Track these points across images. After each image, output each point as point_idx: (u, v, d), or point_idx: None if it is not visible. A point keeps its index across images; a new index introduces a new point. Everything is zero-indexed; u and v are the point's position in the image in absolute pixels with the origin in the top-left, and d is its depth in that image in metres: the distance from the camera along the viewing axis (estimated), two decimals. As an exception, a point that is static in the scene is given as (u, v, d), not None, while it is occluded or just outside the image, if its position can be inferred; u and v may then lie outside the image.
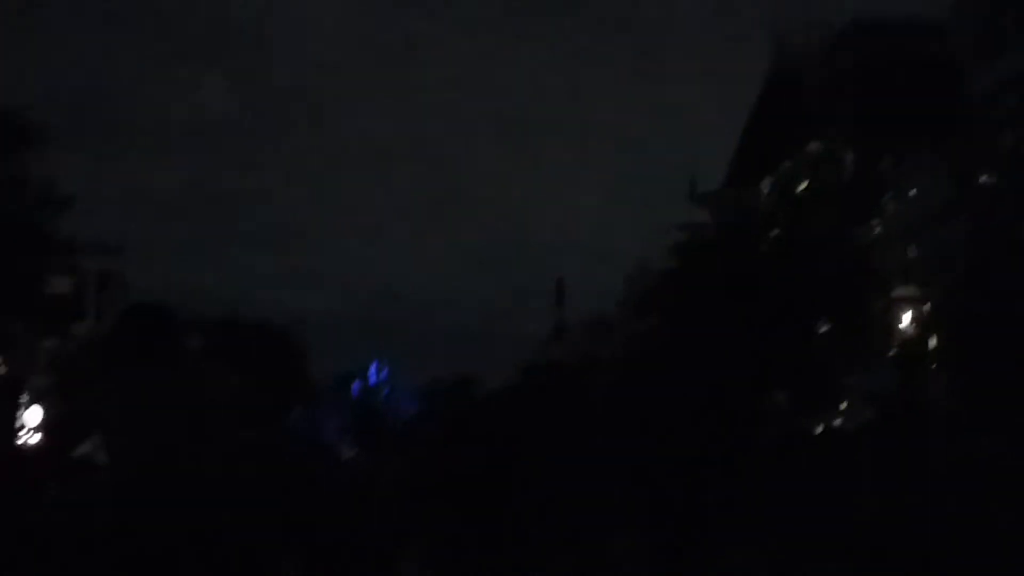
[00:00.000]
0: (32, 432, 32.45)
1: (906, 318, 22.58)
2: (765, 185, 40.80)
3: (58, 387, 32.22)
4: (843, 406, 19.88)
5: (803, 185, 38.27)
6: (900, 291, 23.89)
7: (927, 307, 22.47)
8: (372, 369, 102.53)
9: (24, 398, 31.49)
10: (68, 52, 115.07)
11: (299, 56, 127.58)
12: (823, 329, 25.67)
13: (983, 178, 27.63)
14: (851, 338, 30.40)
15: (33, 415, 32.67)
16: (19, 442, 30.70)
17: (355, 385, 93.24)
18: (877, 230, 32.66)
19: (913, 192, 31.63)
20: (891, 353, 22.99)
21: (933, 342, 20.96)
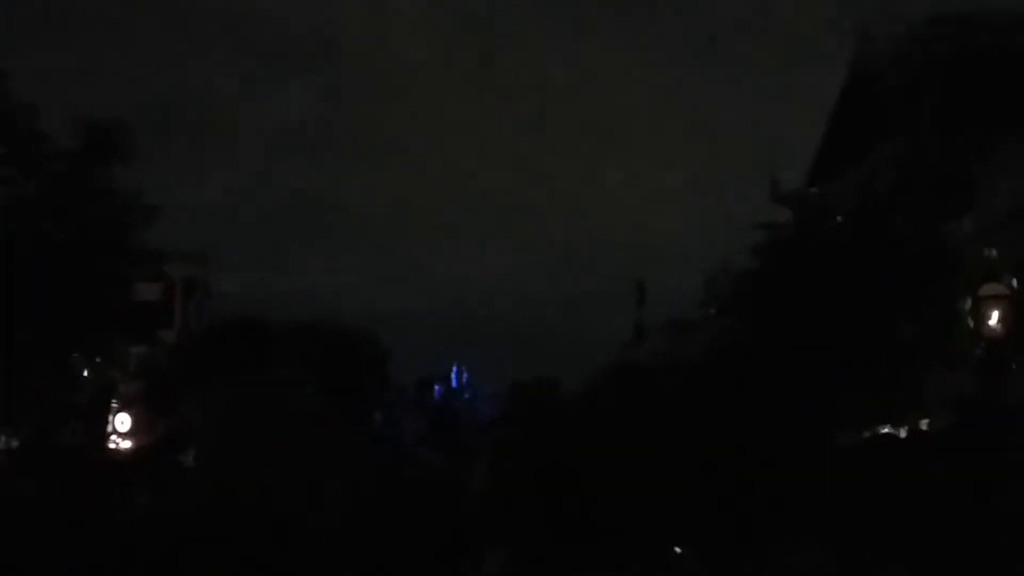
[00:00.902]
0: (122, 439, 33.01)
1: (993, 317, 22.15)
2: (848, 182, 40.35)
3: (146, 394, 32.74)
4: (925, 409, 19.59)
5: (887, 182, 37.81)
6: (987, 289, 23.42)
7: (1015, 305, 22.03)
8: (453, 372, 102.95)
9: (114, 405, 32.05)
10: (156, 61, 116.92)
11: (379, 64, 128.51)
12: (908, 330, 25.29)
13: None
14: (937, 339, 29.96)
15: (123, 422, 33.25)
16: (109, 448, 31.24)
17: (437, 388, 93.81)
18: (965, 227, 32.17)
19: (1002, 188, 31.09)
20: (977, 354, 22.59)
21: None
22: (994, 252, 30.24)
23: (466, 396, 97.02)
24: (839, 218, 35.94)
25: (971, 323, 24.91)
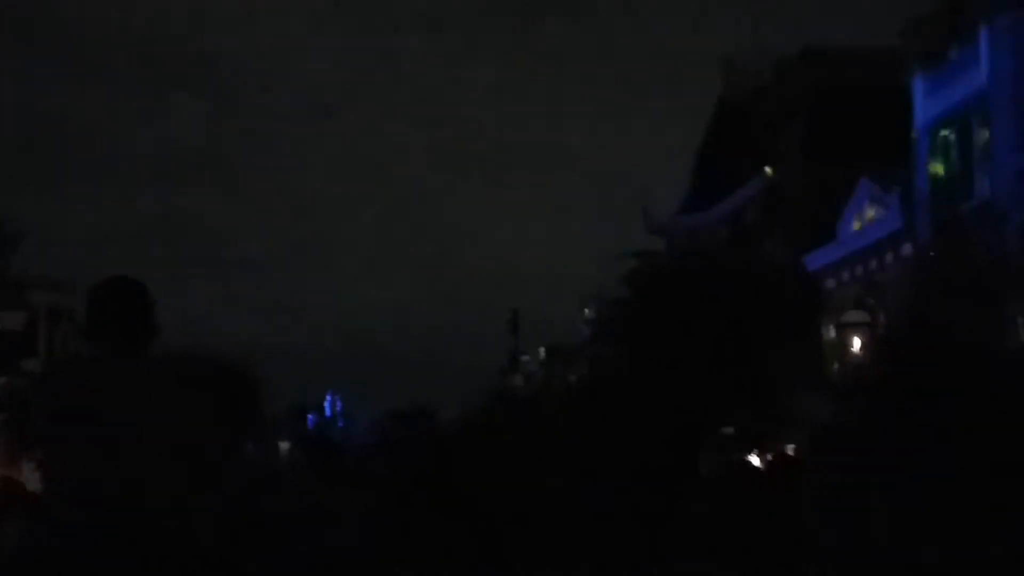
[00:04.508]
0: (-17, 469, 32.03)
1: (855, 343, 22.80)
2: (718, 213, 41.18)
3: (9, 425, 31.88)
4: (790, 435, 20.05)
5: (754, 213, 38.67)
6: (849, 316, 24.12)
7: (876, 332, 22.71)
8: (327, 401, 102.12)
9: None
10: (27, 84, 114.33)
11: (258, 87, 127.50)
12: (775, 358, 25.86)
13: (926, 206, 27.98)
14: (803, 365, 30.65)
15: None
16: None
17: (310, 417, 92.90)
18: (830, 256, 33.04)
19: (865, 218, 32.01)
20: (839, 379, 23.21)
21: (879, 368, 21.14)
22: (859, 280, 31.12)
23: (340, 424, 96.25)
24: (710, 247, 36.64)
25: (835, 350, 25.61)
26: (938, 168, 28.15)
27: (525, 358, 70.23)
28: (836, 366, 25.82)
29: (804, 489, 3.46)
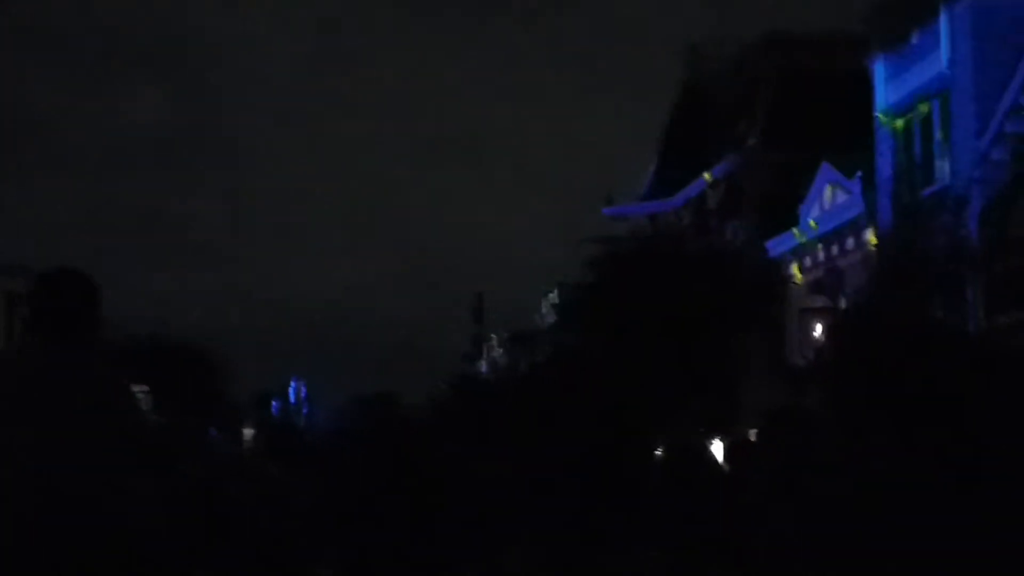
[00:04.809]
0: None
1: (817, 329, 22.94)
2: (682, 198, 41.30)
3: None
4: (751, 419, 20.20)
5: (717, 199, 38.80)
6: (811, 301, 24.27)
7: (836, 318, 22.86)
8: (291, 387, 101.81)
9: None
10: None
11: (223, 73, 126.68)
12: (737, 342, 26.01)
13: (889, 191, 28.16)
14: (765, 350, 30.84)
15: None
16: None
17: (274, 404, 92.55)
18: (793, 242, 33.21)
19: (827, 203, 32.18)
20: (802, 364, 23.38)
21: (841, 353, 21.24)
22: (821, 265, 31.30)
23: (304, 411, 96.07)
24: (672, 233, 36.74)
25: (797, 335, 25.76)
26: (899, 153, 28.33)
27: (489, 343, 70.30)
28: (797, 351, 26.00)
29: (754, 471, 3.51)
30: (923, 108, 27.37)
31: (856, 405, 2.63)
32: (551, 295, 55.43)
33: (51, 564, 4.17)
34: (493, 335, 69.10)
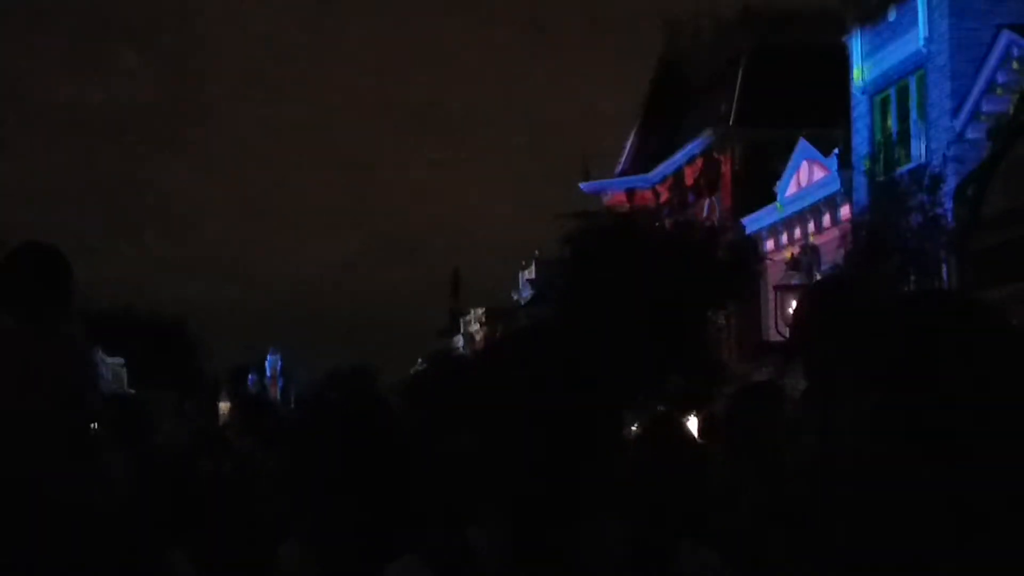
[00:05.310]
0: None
1: (793, 306, 22.98)
2: (658, 173, 41.33)
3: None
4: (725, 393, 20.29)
5: (694, 174, 38.83)
6: (786, 277, 24.31)
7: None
8: (268, 361, 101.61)
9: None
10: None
11: (204, 46, 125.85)
12: (713, 318, 26.07)
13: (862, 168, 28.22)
14: (741, 326, 30.95)
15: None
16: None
17: (251, 378, 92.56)
18: (770, 218, 33.29)
19: (803, 180, 32.23)
20: (777, 340, 23.46)
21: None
22: (798, 241, 31.38)
23: (280, 384, 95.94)
24: (649, 209, 36.77)
25: (773, 311, 25.85)
26: (876, 130, 28.38)
27: (466, 319, 70.30)
28: (774, 328, 26.08)
29: (724, 446, 3.51)
30: (900, 85, 27.41)
31: (829, 374, 2.63)
32: (528, 271, 55.49)
33: (17, 548, 4.15)
34: (471, 310, 69.12)
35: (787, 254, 27.87)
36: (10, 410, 4.30)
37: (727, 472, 3.33)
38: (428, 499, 2.71)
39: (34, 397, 4.33)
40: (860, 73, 28.65)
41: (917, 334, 1.71)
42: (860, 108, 28.74)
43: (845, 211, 29.00)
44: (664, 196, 41.09)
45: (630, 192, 42.20)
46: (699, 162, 38.48)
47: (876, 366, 1.70)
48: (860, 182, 28.18)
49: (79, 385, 4.51)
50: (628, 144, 44.89)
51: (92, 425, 4.55)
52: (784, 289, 23.95)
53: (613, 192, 43.11)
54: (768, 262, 30.05)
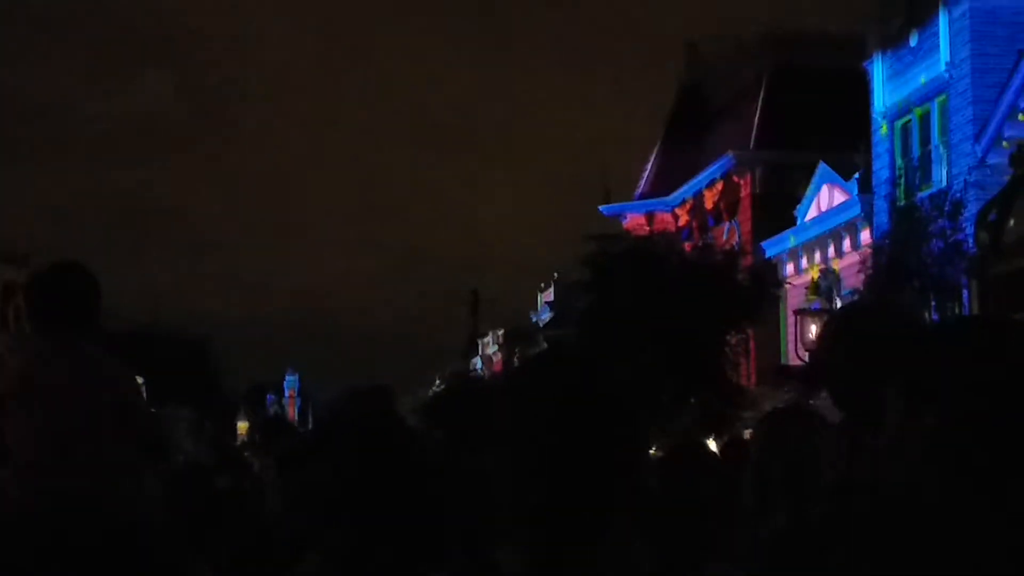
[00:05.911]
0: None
1: (812, 330, 22.90)
2: (678, 196, 41.29)
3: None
4: (747, 417, 20.24)
5: (714, 198, 38.78)
6: (807, 303, 24.24)
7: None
8: (286, 379, 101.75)
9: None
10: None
11: (226, 65, 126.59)
12: (734, 342, 25.98)
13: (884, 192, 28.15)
14: (762, 351, 30.83)
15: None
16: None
17: (269, 397, 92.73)
18: (789, 242, 33.21)
19: (824, 204, 32.16)
20: (796, 364, 23.37)
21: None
22: (818, 266, 31.29)
23: (298, 402, 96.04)
24: (669, 232, 36.73)
25: (793, 336, 25.74)
26: (897, 155, 28.32)
27: (484, 340, 70.23)
28: (793, 353, 25.98)
29: (747, 471, 3.50)
30: (921, 110, 27.36)
31: (854, 400, 2.62)
32: (547, 292, 55.46)
33: (53, 561, 4.17)
34: (489, 332, 69.03)
35: (808, 278, 27.77)
36: (63, 428, 4.34)
37: (754, 496, 3.32)
38: (449, 519, 2.71)
39: (80, 415, 4.36)
40: (881, 97, 28.62)
41: (1010, 364, 1.70)
42: (881, 132, 28.70)
43: (865, 236, 28.92)
44: (684, 219, 41.04)
45: (650, 215, 42.16)
46: (719, 185, 38.43)
47: (948, 392, 1.68)
48: (881, 207, 28.10)
49: (125, 404, 4.55)
50: (648, 166, 44.86)
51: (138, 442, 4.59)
52: (804, 313, 23.87)
53: (633, 215, 43.06)
54: (788, 286, 29.96)
